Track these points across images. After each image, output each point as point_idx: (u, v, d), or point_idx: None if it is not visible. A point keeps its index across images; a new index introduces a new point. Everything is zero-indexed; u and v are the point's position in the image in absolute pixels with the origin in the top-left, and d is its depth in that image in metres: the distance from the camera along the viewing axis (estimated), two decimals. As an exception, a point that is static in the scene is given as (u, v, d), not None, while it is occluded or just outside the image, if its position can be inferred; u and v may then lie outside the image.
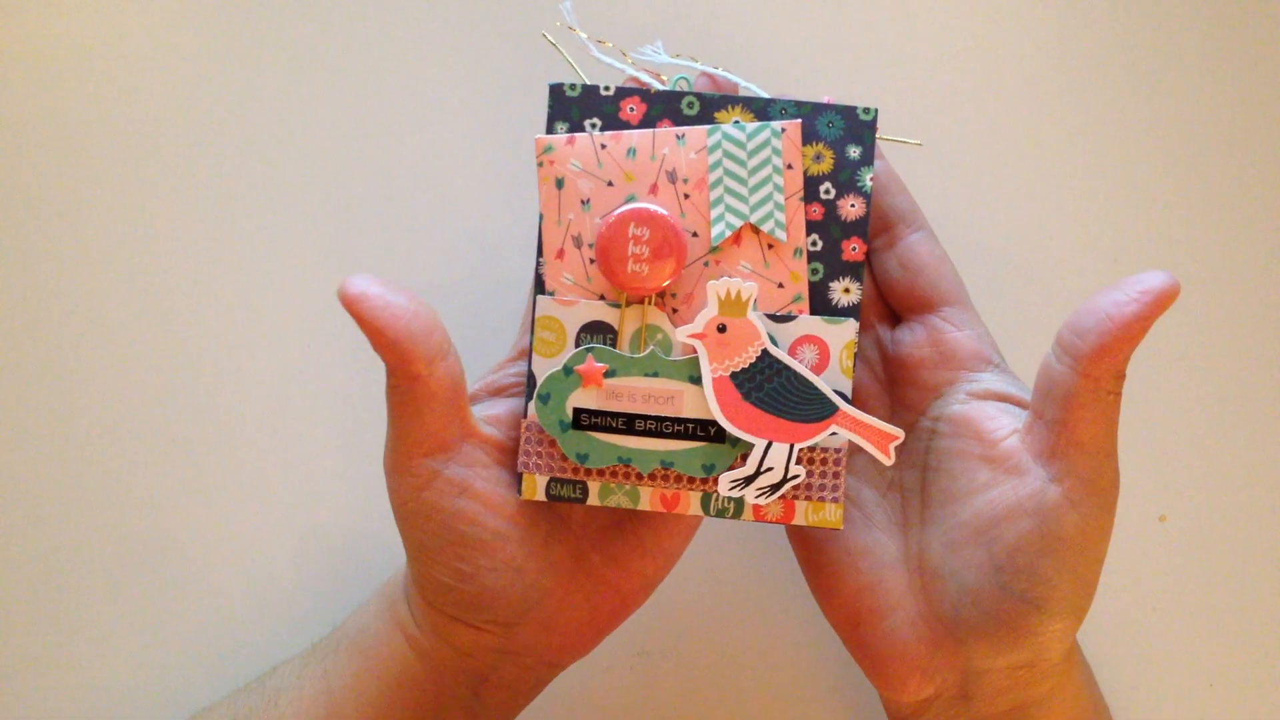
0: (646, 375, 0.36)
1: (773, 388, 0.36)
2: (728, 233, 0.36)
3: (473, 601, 0.37)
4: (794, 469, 0.36)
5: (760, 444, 0.36)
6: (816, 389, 0.36)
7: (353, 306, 0.34)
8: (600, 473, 0.37)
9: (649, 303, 0.36)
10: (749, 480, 0.36)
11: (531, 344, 0.37)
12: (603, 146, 0.36)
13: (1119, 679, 0.46)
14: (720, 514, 0.37)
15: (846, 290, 0.37)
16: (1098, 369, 0.33)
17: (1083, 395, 0.34)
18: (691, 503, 0.37)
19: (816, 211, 0.36)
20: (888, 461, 0.36)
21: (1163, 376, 0.46)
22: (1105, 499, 0.35)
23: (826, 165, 0.36)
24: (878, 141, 0.37)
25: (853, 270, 0.37)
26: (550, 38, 0.39)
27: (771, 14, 0.46)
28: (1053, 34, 0.46)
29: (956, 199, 0.46)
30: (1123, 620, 0.47)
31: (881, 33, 0.46)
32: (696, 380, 0.36)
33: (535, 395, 0.37)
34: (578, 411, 0.36)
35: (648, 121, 0.37)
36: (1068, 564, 0.35)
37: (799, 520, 0.37)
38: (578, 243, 0.37)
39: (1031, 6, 0.46)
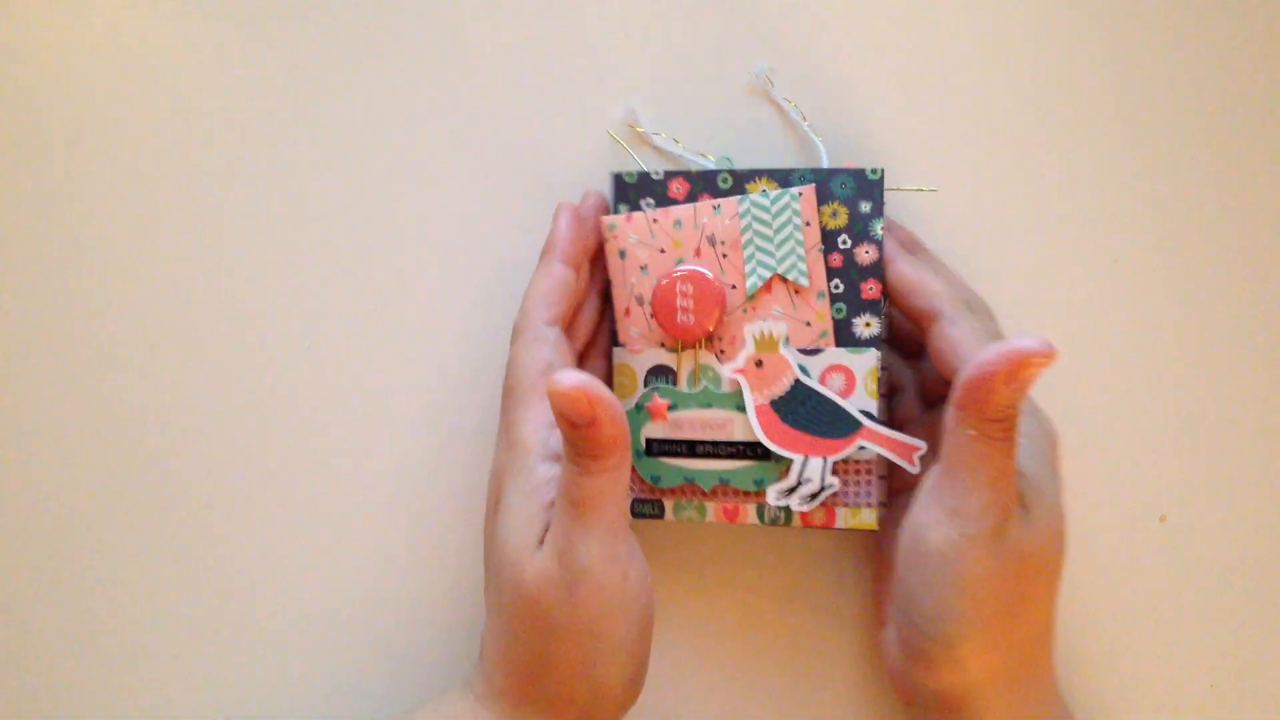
0: (702, 407, 0.43)
1: (806, 410, 0.42)
2: (760, 283, 0.43)
3: (635, 689, 0.41)
4: (830, 479, 0.42)
5: (798, 459, 0.42)
6: (844, 409, 0.42)
7: (587, 399, 0.36)
8: (672, 491, 0.44)
9: (699, 346, 0.44)
10: (791, 491, 0.42)
11: (611, 388, 0.45)
12: (655, 221, 0.44)
13: (1119, 679, 0.45)
14: (773, 522, 0.43)
15: (868, 324, 0.43)
16: (964, 412, 0.36)
17: (950, 429, 0.37)
18: (749, 513, 0.44)
19: (837, 260, 0.43)
20: (913, 469, 0.42)
21: (1163, 376, 0.47)
22: (971, 528, 0.37)
23: (842, 220, 0.43)
24: (903, 212, 0.43)
25: (871, 307, 0.43)
26: (614, 134, 0.47)
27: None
28: (1048, 47, 0.47)
29: (957, 203, 0.48)
30: (1123, 620, 0.47)
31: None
32: (743, 408, 0.43)
33: (615, 430, 0.44)
34: (649, 441, 0.44)
35: (691, 197, 0.44)
36: (929, 580, 0.38)
37: (839, 524, 0.43)
38: (640, 301, 0.44)
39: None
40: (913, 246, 0.45)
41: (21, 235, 0.50)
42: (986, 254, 0.47)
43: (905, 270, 0.42)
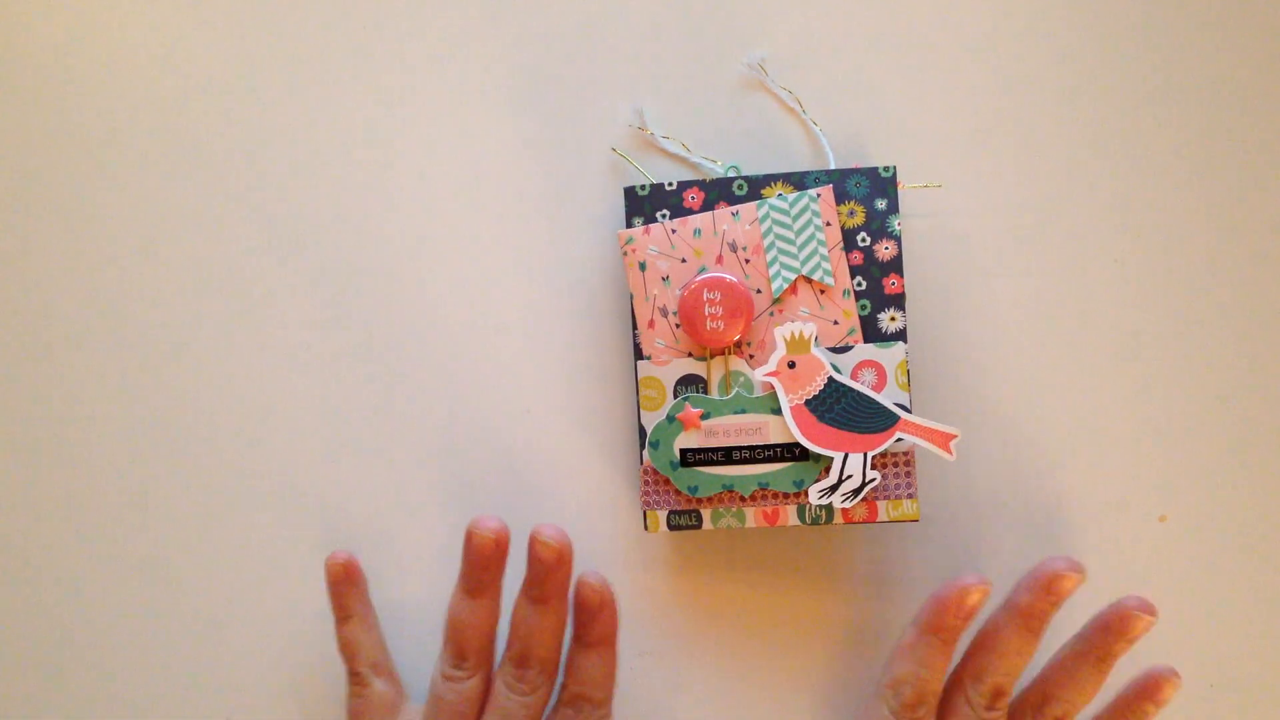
0: (736, 413, 0.43)
1: (841, 408, 0.43)
2: (785, 285, 0.43)
3: None
4: (870, 474, 0.43)
5: (838, 456, 0.43)
6: (879, 404, 0.42)
7: None
8: (709, 500, 0.44)
9: (729, 353, 0.44)
10: (834, 489, 0.43)
11: (638, 401, 0.44)
12: (673, 231, 0.44)
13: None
14: (814, 521, 0.43)
15: (893, 319, 0.43)
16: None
17: None
18: (789, 515, 0.44)
19: (857, 257, 0.44)
20: (950, 458, 0.42)
21: (1162, 377, 0.48)
22: None
23: (860, 218, 0.44)
24: (909, 208, 0.44)
25: (895, 301, 0.43)
26: (618, 150, 0.47)
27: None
28: (1051, 43, 0.48)
29: (957, 205, 0.48)
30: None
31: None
32: (777, 411, 0.43)
33: (647, 443, 0.44)
34: (684, 451, 0.44)
35: (707, 205, 0.44)
36: None
37: (882, 517, 0.43)
38: (664, 312, 0.44)
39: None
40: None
41: (26, 239, 0.50)
42: (987, 255, 0.48)
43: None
